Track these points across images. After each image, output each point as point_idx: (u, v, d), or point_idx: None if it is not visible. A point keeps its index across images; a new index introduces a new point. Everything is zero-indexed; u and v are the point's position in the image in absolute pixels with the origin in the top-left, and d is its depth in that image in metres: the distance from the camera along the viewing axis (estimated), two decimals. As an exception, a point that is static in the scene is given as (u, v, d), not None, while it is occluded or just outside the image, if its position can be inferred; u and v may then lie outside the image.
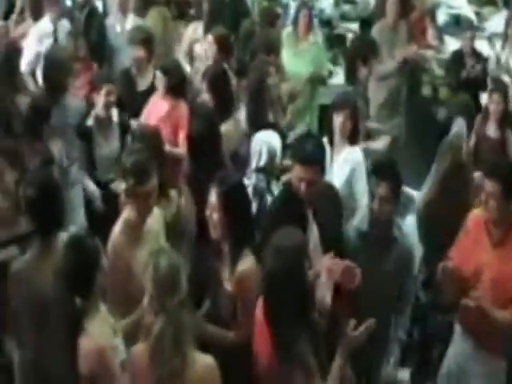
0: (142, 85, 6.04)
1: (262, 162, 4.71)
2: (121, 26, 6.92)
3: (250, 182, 4.70)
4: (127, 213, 3.82)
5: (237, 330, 3.49)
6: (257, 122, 5.32)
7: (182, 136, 5.32)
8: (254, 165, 4.75)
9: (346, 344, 3.11)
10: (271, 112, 5.56)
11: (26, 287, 3.59)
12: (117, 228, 3.80)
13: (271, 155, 4.72)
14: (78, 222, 5.02)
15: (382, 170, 4.02)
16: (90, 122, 5.31)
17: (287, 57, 6.67)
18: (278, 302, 3.11)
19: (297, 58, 6.87)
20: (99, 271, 3.24)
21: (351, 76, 6.04)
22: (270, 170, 4.73)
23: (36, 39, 6.62)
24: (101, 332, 3.21)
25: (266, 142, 4.77)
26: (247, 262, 3.49)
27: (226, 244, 3.57)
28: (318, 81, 7.01)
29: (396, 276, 4.02)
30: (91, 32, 6.76)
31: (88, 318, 3.22)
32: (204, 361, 3.00)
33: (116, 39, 6.86)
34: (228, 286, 3.54)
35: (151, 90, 5.76)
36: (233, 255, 3.53)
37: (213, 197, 3.55)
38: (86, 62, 6.43)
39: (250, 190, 4.50)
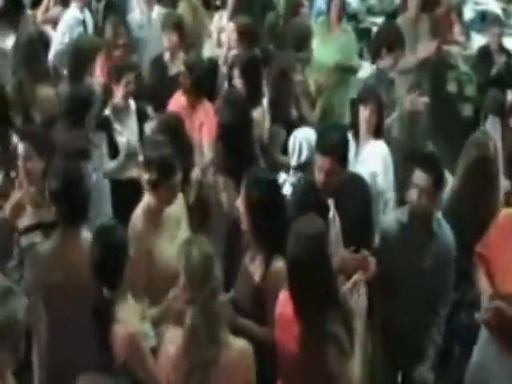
0: (173, 70, 6.09)
1: (303, 159, 4.66)
2: (147, 17, 6.94)
3: (288, 178, 4.65)
4: (148, 199, 3.83)
5: (268, 327, 3.45)
6: (277, 113, 5.33)
7: (205, 131, 5.32)
8: (294, 162, 4.69)
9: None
10: (294, 107, 5.56)
11: (44, 275, 3.63)
12: (137, 214, 3.83)
13: (311, 151, 4.61)
14: (104, 212, 5.06)
15: (424, 161, 3.97)
16: (107, 111, 5.36)
17: (316, 46, 6.64)
18: (302, 288, 3.11)
19: (325, 47, 6.82)
20: (127, 260, 3.27)
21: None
22: (309, 167, 4.65)
23: (66, 28, 6.68)
24: (131, 319, 3.25)
25: (305, 138, 4.72)
26: (279, 262, 3.47)
27: (253, 240, 3.57)
28: (346, 70, 6.89)
29: (435, 274, 3.92)
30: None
31: (118, 306, 3.25)
32: (238, 345, 3.02)
33: (140, 31, 6.89)
34: (257, 282, 3.53)
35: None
36: (262, 252, 3.52)
37: (242, 190, 3.55)
38: (125, 49, 6.45)
39: (288, 187, 4.48)
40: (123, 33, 6.46)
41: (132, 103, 5.51)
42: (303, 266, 3.10)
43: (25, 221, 4.16)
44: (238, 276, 3.71)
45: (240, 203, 3.58)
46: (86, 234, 3.72)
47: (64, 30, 6.68)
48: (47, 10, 7.34)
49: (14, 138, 4.77)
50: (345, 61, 6.85)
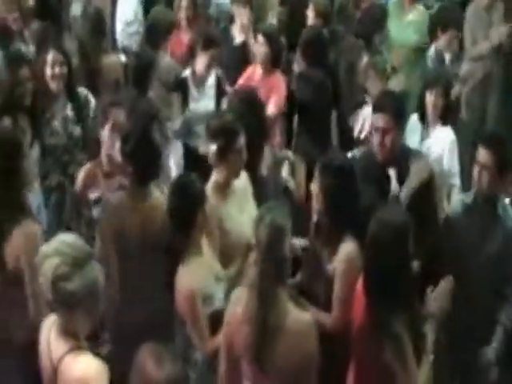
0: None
1: (366, 134, 4.71)
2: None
3: (355, 153, 4.67)
4: (216, 176, 3.91)
5: (333, 314, 3.47)
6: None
7: (273, 100, 5.34)
8: (358, 136, 4.77)
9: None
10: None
11: (118, 223, 3.80)
12: (207, 189, 3.92)
13: None
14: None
15: (487, 138, 3.89)
16: (186, 73, 5.47)
17: (393, 26, 6.60)
18: (380, 276, 3.08)
19: (401, 27, 6.74)
20: (202, 214, 3.41)
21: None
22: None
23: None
24: (197, 276, 3.35)
25: (370, 114, 4.66)
26: (350, 245, 3.48)
27: (325, 222, 3.58)
28: (422, 50, 6.77)
29: (501, 258, 3.80)
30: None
31: (187, 258, 3.38)
32: (303, 316, 3.03)
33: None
34: (327, 265, 3.54)
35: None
36: (332, 235, 3.53)
37: (316, 172, 3.57)
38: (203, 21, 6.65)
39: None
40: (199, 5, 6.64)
41: (213, 76, 5.61)
42: (387, 252, 3.06)
43: (96, 192, 4.29)
44: (304, 259, 3.75)
45: (314, 186, 3.60)
46: (156, 191, 3.93)
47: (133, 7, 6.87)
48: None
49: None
50: (421, 40, 6.77)
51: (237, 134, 3.81)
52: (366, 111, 4.82)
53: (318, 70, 5.34)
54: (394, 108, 3.93)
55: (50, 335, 2.84)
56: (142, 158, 3.82)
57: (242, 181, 3.97)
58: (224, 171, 3.85)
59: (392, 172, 3.93)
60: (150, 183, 3.92)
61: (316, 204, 3.60)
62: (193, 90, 5.55)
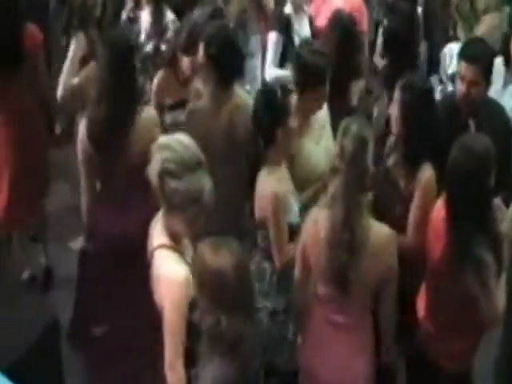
0: None
1: (451, 71, 4.63)
2: None
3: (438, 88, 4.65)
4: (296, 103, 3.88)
5: (410, 238, 3.47)
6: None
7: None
8: (443, 74, 4.68)
9: None
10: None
11: (199, 128, 3.78)
12: None
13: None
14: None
15: None
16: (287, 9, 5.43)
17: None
18: (463, 205, 3.07)
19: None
20: (283, 130, 3.39)
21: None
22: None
23: None
24: (279, 183, 3.37)
25: (451, 48, 4.68)
26: (429, 171, 3.46)
27: (402, 146, 3.55)
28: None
29: None
30: None
31: (268, 167, 3.40)
32: (383, 229, 3.06)
33: None
34: (403, 188, 3.53)
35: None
36: (410, 157, 3.51)
37: (396, 93, 3.53)
38: None
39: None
40: None
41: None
42: (471, 179, 3.05)
43: (170, 98, 4.33)
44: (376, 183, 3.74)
45: (393, 107, 3.57)
46: (240, 90, 4.01)
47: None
48: None
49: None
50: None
51: (321, 78, 3.72)
52: (455, 48, 4.72)
53: (406, 2, 5.25)
54: (483, 60, 3.83)
55: (156, 225, 2.90)
56: (226, 60, 3.81)
57: (324, 112, 3.93)
58: (304, 103, 3.78)
59: (471, 122, 3.88)
60: (234, 84, 3.94)
61: (394, 128, 3.57)
62: (296, 25, 5.41)
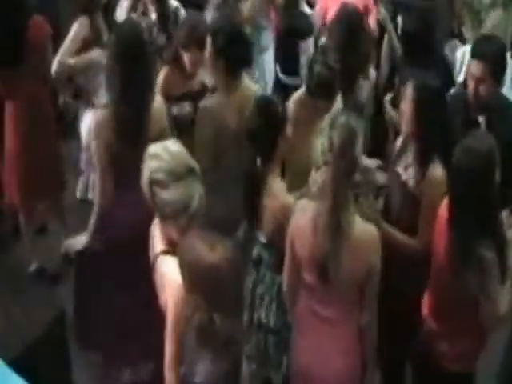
0: None
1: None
2: None
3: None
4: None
5: (421, 237, 3.42)
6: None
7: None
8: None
9: None
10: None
11: (212, 121, 3.82)
12: (293, 100, 4.00)
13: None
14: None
15: None
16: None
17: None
18: (465, 205, 3.04)
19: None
20: (282, 137, 3.34)
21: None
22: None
23: None
24: (283, 194, 3.35)
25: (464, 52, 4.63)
26: (438, 169, 3.41)
27: (414, 145, 3.51)
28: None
29: None
30: None
31: (270, 179, 3.35)
32: (370, 227, 3.01)
33: None
34: (413, 188, 3.49)
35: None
36: (420, 157, 3.46)
37: (409, 91, 3.46)
38: None
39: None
40: None
41: None
42: (473, 179, 3.01)
43: (176, 91, 4.33)
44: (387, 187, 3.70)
45: (404, 105, 3.51)
46: (248, 80, 4.04)
47: None
48: None
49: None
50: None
51: (331, 90, 3.82)
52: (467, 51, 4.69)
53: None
54: (492, 56, 3.75)
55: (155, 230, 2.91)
56: (233, 50, 3.82)
57: (338, 106, 3.94)
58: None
59: (481, 119, 3.83)
60: (242, 75, 3.96)
61: (405, 125, 3.53)
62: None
